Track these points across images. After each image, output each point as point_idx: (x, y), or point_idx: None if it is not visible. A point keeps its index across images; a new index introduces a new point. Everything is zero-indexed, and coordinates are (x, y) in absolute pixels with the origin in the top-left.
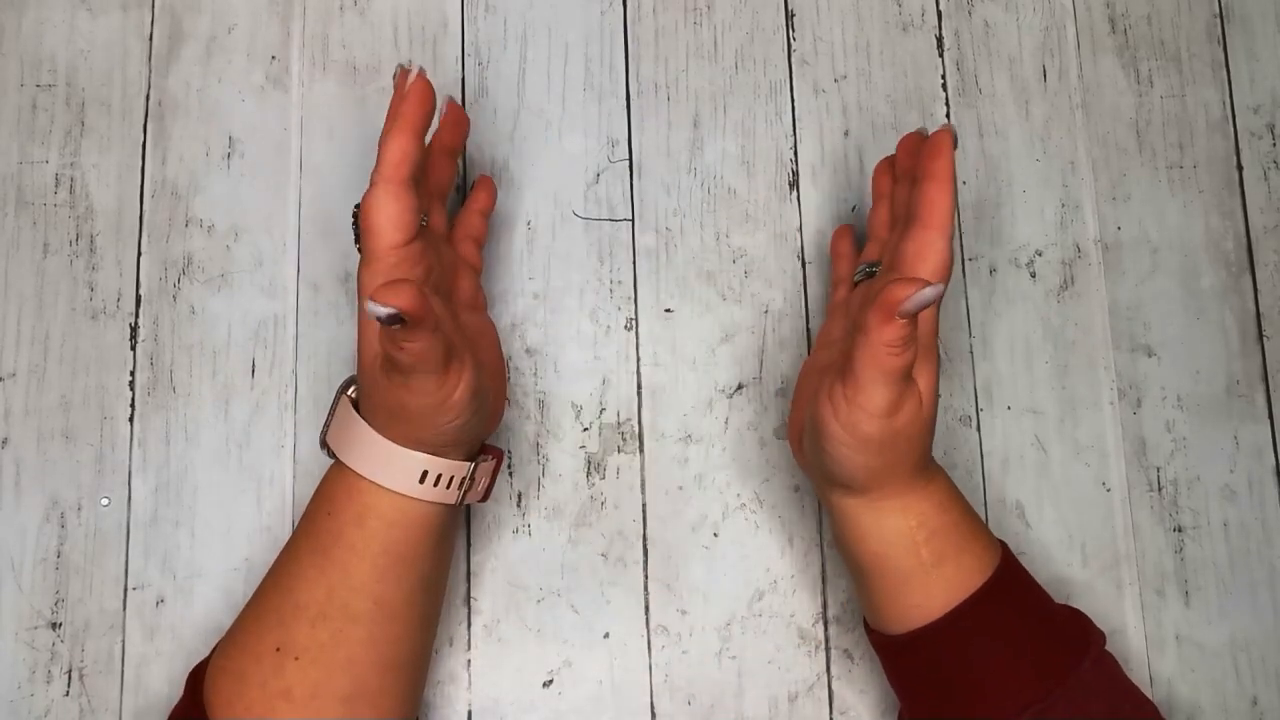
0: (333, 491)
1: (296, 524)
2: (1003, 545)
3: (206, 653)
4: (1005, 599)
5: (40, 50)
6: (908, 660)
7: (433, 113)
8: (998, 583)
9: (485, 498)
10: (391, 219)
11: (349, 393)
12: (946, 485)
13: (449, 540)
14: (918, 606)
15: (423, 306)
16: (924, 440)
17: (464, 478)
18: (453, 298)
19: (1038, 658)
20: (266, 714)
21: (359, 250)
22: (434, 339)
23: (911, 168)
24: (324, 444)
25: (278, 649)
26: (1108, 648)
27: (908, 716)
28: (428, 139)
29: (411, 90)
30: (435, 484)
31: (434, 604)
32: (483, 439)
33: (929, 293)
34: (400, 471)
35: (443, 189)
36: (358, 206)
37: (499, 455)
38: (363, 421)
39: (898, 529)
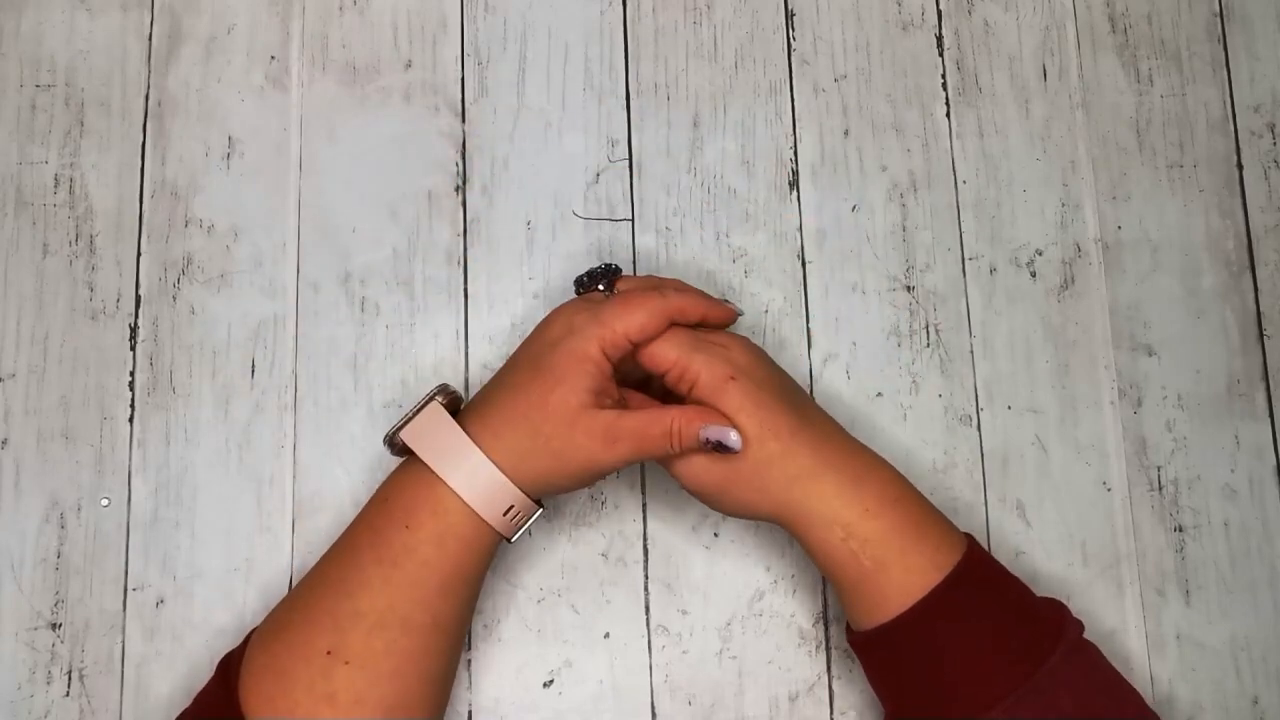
0: (412, 504)
1: (355, 524)
2: (969, 538)
3: (206, 653)
4: (966, 594)
5: (40, 50)
6: (877, 656)
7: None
8: (958, 579)
9: (512, 539)
10: (643, 325)
11: (438, 399)
12: (878, 491)
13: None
14: (877, 606)
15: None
16: (770, 469)
17: (527, 517)
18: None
19: (1007, 651)
20: (309, 716)
21: (579, 292)
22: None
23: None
24: (393, 443)
25: (328, 652)
26: (1108, 646)
27: (889, 716)
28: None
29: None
30: (512, 519)
31: (470, 621)
32: None
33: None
34: (496, 501)
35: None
36: (616, 270)
37: (540, 506)
38: (473, 444)
39: (828, 541)
